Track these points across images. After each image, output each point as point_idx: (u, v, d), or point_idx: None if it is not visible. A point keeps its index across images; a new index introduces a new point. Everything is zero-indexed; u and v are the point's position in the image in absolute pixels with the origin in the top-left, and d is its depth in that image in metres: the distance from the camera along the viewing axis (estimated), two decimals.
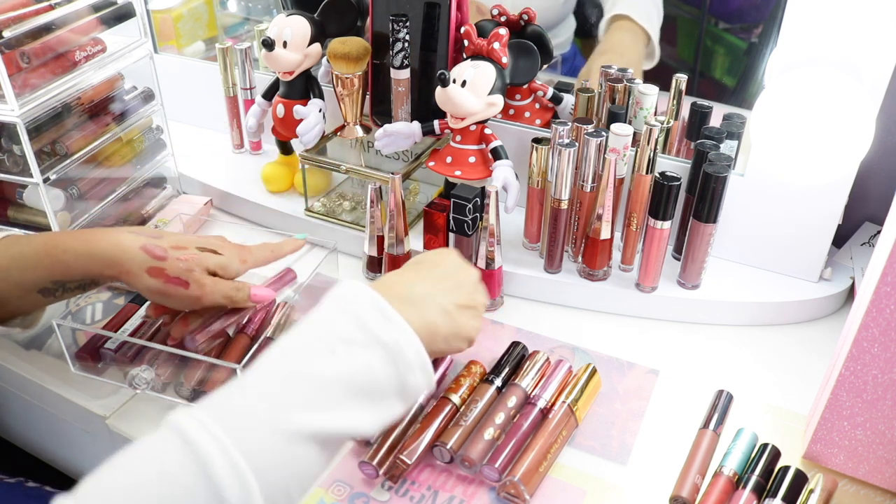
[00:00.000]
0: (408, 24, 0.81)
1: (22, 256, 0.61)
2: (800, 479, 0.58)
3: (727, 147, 0.78)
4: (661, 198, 0.73)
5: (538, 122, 0.90)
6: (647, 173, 0.75)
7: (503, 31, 0.77)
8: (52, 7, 0.76)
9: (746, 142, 0.78)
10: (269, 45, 0.84)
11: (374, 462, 0.60)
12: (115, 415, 0.68)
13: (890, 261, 0.51)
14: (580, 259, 0.81)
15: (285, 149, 0.99)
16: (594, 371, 0.68)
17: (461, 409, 0.65)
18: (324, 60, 0.94)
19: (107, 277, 0.62)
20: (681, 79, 0.82)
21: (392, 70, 0.83)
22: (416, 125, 0.84)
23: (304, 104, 0.89)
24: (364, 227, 0.84)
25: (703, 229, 0.75)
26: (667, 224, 0.74)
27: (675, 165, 0.81)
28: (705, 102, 0.82)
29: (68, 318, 0.70)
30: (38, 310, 0.68)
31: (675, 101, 0.83)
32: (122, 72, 0.87)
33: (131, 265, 0.60)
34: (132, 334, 0.72)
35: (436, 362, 0.70)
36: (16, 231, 0.66)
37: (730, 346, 0.76)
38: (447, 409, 0.64)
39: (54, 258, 0.60)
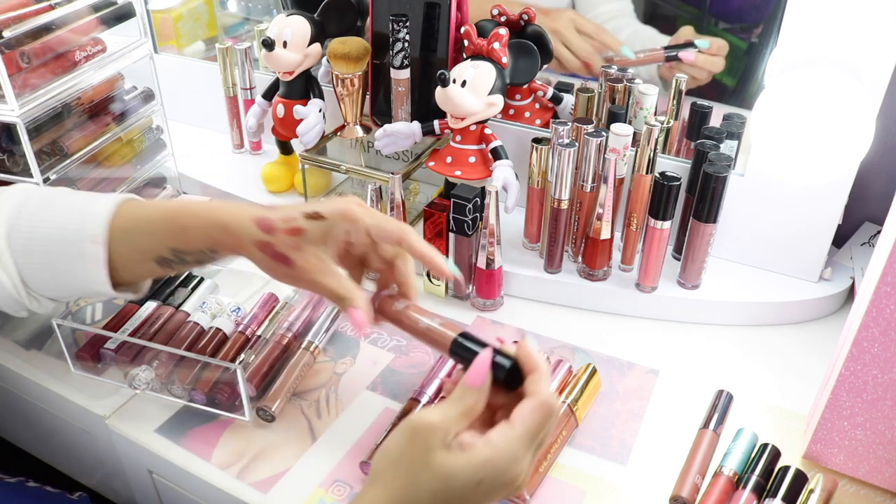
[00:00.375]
0: (408, 24, 0.81)
1: (146, 219, 0.59)
2: (800, 479, 0.58)
3: (727, 147, 0.78)
4: (661, 198, 0.73)
5: (538, 122, 0.90)
6: (647, 173, 0.75)
7: (503, 31, 0.77)
8: (52, 7, 0.76)
9: (746, 142, 0.78)
10: (269, 45, 0.84)
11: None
12: (115, 415, 0.68)
13: (890, 261, 0.51)
14: (580, 259, 0.81)
15: (285, 149, 0.99)
16: (594, 371, 0.68)
17: None
18: (324, 60, 0.94)
19: (225, 247, 0.59)
20: (681, 79, 0.82)
21: (392, 70, 0.83)
22: (416, 125, 0.84)
23: (304, 104, 0.89)
24: None
25: (703, 229, 0.75)
26: (667, 224, 0.74)
27: (675, 165, 0.81)
28: (705, 102, 0.82)
29: (68, 318, 0.70)
30: (149, 279, 0.66)
31: (675, 101, 0.83)
32: (122, 72, 0.87)
33: (243, 237, 0.57)
34: (132, 334, 0.72)
35: (437, 365, 0.70)
36: (136, 197, 0.63)
37: (730, 346, 0.76)
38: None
39: (178, 224, 0.58)
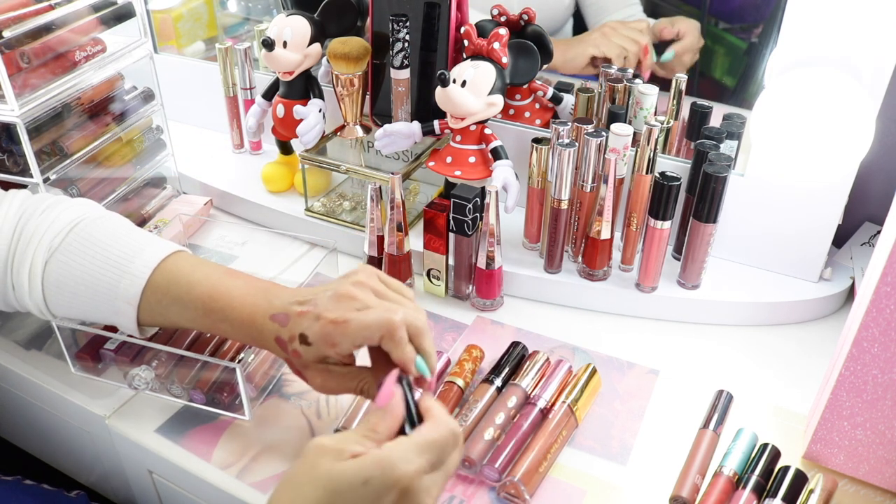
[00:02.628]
0: (408, 24, 0.81)
1: (182, 306, 0.59)
2: (800, 479, 0.58)
3: (727, 147, 0.78)
4: (661, 198, 0.73)
5: (538, 122, 0.90)
6: (647, 173, 0.75)
7: (503, 31, 0.77)
8: (52, 7, 0.76)
9: (746, 142, 0.78)
10: (269, 45, 0.84)
11: None
12: (114, 415, 0.68)
13: (890, 261, 0.51)
14: (580, 259, 0.81)
15: (285, 149, 0.99)
16: (594, 371, 0.68)
17: (463, 404, 0.65)
18: (324, 60, 0.94)
19: (260, 348, 0.61)
20: (681, 79, 0.82)
21: (392, 70, 0.83)
22: (416, 125, 0.84)
23: (304, 104, 0.89)
24: (364, 227, 0.84)
25: (703, 229, 0.75)
26: (667, 224, 0.74)
27: (675, 165, 0.81)
28: (705, 102, 0.82)
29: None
30: None
31: (675, 101, 0.83)
32: (122, 72, 0.87)
33: (273, 350, 0.58)
34: (132, 335, 0.72)
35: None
36: (181, 251, 0.63)
37: (730, 346, 0.76)
38: (453, 392, 0.66)
39: (212, 322, 0.59)
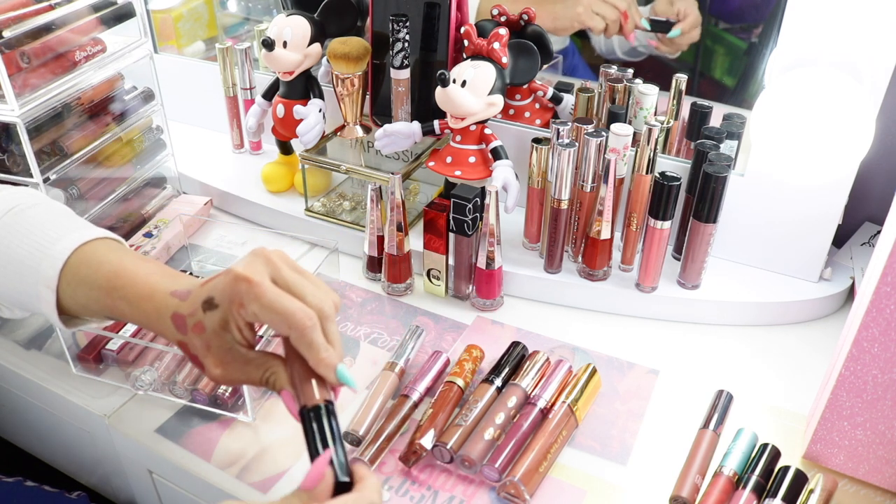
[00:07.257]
0: (408, 24, 0.81)
1: (88, 285, 0.56)
2: (800, 479, 0.58)
3: (727, 147, 0.78)
4: (661, 198, 0.73)
5: (538, 122, 0.90)
6: (647, 173, 0.75)
7: (503, 31, 0.77)
8: (52, 7, 0.76)
9: (746, 142, 0.78)
10: (269, 45, 0.84)
11: (366, 459, 0.61)
12: (115, 415, 0.68)
13: (890, 261, 0.51)
14: (580, 259, 0.81)
15: (285, 149, 0.99)
16: (594, 371, 0.68)
17: (463, 404, 0.65)
18: (324, 60, 0.94)
19: (158, 334, 0.57)
20: (681, 79, 0.82)
21: (392, 70, 0.83)
22: (416, 125, 0.84)
23: (304, 104, 0.89)
24: (364, 227, 0.84)
25: (703, 229, 0.75)
26: (667, 224, 0.74)
27: (675, 165, 0.81)
28: (705, 102, 0.82)
29: None
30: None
31: (675, 101, 0.83)
32: (122, 72, 0.87)
33: (168, 335, 0.54)
34: (133, 335, 0.72)
35: (431, 359, 0.70)
36: (107, 237, 0.59)
37: (730, 347, 0.76)
38: (453, 392, 0.66)
39: (112, 301, 0.55)
